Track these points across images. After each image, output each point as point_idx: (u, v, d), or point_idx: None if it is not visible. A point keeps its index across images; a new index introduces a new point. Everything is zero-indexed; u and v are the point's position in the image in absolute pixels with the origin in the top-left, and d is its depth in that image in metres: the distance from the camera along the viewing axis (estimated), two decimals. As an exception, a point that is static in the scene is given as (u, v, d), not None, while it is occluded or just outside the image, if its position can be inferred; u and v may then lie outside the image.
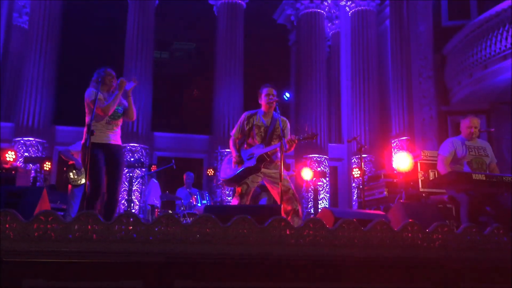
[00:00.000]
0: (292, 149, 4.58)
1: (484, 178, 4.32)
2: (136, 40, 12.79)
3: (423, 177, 7.25)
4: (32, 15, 12.50)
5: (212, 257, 2.65)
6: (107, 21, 15.01)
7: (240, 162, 4.61)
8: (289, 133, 4.74)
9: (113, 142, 4.39)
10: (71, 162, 6.18)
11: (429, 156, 7.45)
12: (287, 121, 4.80)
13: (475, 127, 4.99)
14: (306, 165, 12.09)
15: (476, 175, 4.35)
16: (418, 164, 7.42)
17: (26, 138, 11.66)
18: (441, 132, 10.53)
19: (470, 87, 9.89)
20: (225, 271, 2.69)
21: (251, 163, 4.56)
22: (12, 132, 11.90)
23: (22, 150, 11.47)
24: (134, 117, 4.58)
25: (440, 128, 10.65)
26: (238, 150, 4.72)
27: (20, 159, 10.99)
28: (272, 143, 4.62)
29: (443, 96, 10.82)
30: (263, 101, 4.73)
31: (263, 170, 4.61)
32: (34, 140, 11.70)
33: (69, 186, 6.23)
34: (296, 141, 4.44)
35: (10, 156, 9.94)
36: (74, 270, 2.54)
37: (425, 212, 4.10)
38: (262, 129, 4.70)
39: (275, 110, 4.68)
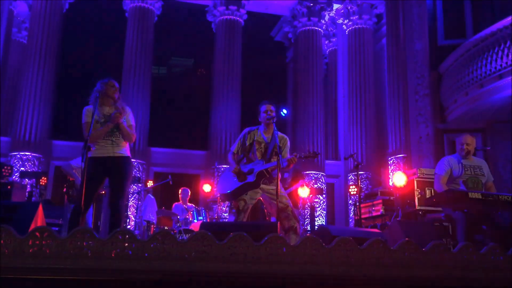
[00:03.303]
0: (291, 167, 4.60)
1: (480, 197, 4.34)
2: (134, 56, 12.86)
3: (419, 195, 7.25)
4: (31, 30, 12.57)
5: (208, 275, 2.64)
6: (105, 36, 15.11)
7: (239, 174, 4.60)
8: (288, 150, 4.76)
9: (114, 155, 4.25)
10: (71, 179, 6.16)
11: (425, 174, 7.46)
12: (287, 138, 4.83)
13: (467, 144, 5.00)
14: (303, 182, 12.08)
15: (472, 193, 4.37)
16: (415, 182, 7.42)
17: (22, 153, 11.61)
18: (438, 150, 10.56)
19: (466, 105, 9.95)
20: (221, 289, 2.67)
21: (250, 178, 4.55)
22: (9, 146, 11.86)
23: (18, 165, 11.42)
24: (132, 140, 4.41)
25: (436, 146, 10.68)
26: (238, 164, 4.73)
27: (16, 174, 10.95)
28: (272, 159, 4.63)
29: (440, 114, 10.88)
30: (262, 118, 4.76)
31: (262, 186, 4.61)
32: (30, 155, 11.66)
33: (65, 200, 6.21)
34: (295, 160, 4.46)
35: (6, 170, 9.91)
36: (69, 287, 2.52)
37: (421, 231, 4.10)
38: (262, 145, 4.72)
39: (273, 127, 4.71)
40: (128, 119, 4.42)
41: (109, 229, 4.15)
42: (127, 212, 10.91)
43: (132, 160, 11.63)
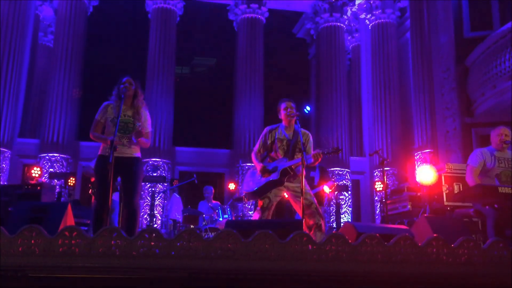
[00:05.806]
0: (317, 163, 4.56)
1: (510, 192, 4.24)
2: (157, 56, 12.99)
3: (447, 191, 7.12)
4: (57, 34, 12.81)
5: (234, 273, 2.64)
6: (129, 38, 15.29)
7: (265, 172, 4.60)
8: (312, 146, 4.73)
9: (125, 155, 4.29)
10: (93, 179, 6.24)
11: (453, 169, 7.31)
12: (310, 134, 4.79)
13: (506, 135, 4.86)
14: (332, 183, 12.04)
15: (502, 188, 4.27)
16: (442, 177, 7.28)
17: (51, 154, 11.87)
18: (465, 144, 10.35)
19: (494, 98, 9.72)
20: (247, 286, 2.67)
21: (274, 176, 4.55)
22: (38, 148, 12.13)
23: (47, 166, 11.67)
24: (146, 147, 4.53)
25: (464, 140, 10.46)
26: (262, 162, 4.74)
27: (45, 175, 11.18)
28: (295, 156, 4.61)
29: (467, 107, 10.66)
30: (282, 115, 4.75)
31: (286, 183, 4.60)
32: (59, 156, 11.91)
33: (93, 201, 6.30)
34: (320, 155, 4.42)
35: (35, 172, 10.13)
36: (98, 285, 2.56)
37: (450, 227, 4.03)
38: (284, 142, 4.71)
39: (295, 123, 4.68)
40: (146, 126, 4.44)
41: (125, 227, 4.19)
42: (153, 211, 11.03)
43: (158, 159, 11.96)
